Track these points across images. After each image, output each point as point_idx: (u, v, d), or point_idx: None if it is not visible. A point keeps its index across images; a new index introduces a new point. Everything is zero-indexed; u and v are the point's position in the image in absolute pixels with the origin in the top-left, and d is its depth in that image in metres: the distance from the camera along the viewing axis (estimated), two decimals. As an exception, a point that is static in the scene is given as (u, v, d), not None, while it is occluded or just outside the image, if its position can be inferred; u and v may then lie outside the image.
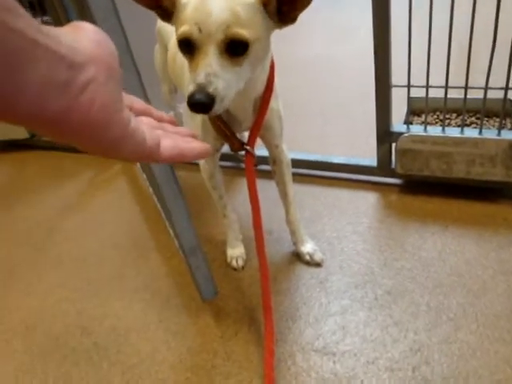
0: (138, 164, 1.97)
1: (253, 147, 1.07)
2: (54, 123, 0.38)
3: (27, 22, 0.33)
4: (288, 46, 3.02)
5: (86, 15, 0.80)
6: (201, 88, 0.72)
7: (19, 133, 2.35)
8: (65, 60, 0.36)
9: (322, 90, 2.44)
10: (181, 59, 1.16)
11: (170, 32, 1.35)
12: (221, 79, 0.74)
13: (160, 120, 0.57)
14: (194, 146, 0.54)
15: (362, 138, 1.84)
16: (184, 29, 0.77)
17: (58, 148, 2.34)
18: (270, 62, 1.00)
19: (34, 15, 1.93)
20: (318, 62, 2.82)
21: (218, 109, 0.75)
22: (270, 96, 1.03)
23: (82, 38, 0.40)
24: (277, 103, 1.10)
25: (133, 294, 1.39)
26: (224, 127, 1.05)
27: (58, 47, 0.36)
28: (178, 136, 0.54)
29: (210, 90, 0.73)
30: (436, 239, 1.37)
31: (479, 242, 1.33)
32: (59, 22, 1.75)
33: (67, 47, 0.37)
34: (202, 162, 1.25)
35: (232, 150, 1.10)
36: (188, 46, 0.79)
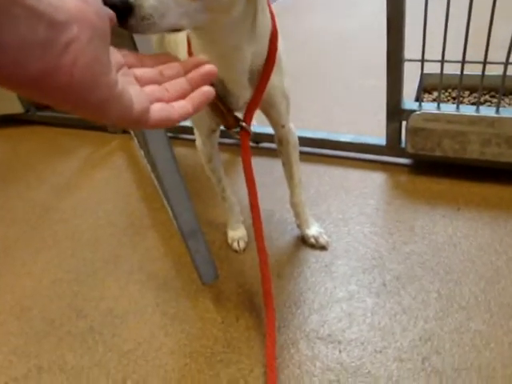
0: (136, 140, 1.91)
1: (249, 124, 0.99)
2: (36, 84, 0.37)
3: None
4: (292, 19, 2.92)
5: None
6: None
7: (14, 107, 2.27)
8: (44, 18, 0.35)
9: (329, 64, 2.34)
10: (173, 37, 1.09)
11: None
12: None
13: (155, 63, 0.52)
14: (185, 104, 0.50)
15: (370, 115, 1.76)
16: None
17: (54, 124, 2.26)
18: (268, 33, 0.90)
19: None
20: (324, 36, 2.71)
21: (136, 24, 0.58)
22: (270, 70, 0.94)
23: None
24: (281, 79, 1.01)
25: (129, 275, 1.33)
26: (219, 102, 0.96)
27: (37, 4, 0.35)
28: (174, 87, 0.50)
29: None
30: (447, 222, 1.30)
31: (492, 226, 1.27)
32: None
33: (47, 4, 0.36)
34: (199, 144, 1.17)
35: (226, 127, 1.02)
36: None
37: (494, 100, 1.51)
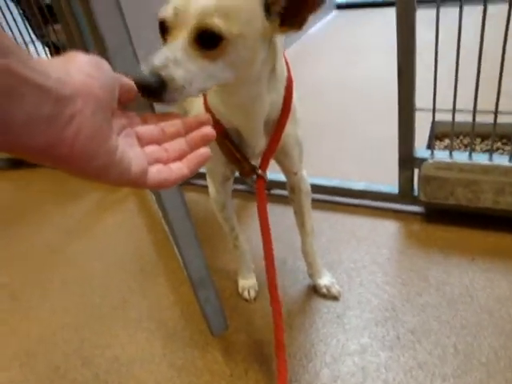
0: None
1: (265, 171, 0.99)
2: (38, 154, 0.38)
3: (17, 58, 0.34)
4: (301, 67, 2.98)
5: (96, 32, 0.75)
6: (153, 69, 0.59)
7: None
8: (51, 95, 0.37)
9: (341, 111, 2.37)
10: None
11: None
12: (182, 68, 0.62)
13: (159, 121, 0.54)
14: (182, 167, 0.51)
15: (382, 162, 1.76)
16: (162, 12, 0.68)
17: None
18: (284, 81, 0.91)
19: (45, 24, 1.91)
20: (333, 83, 2.75)
21: (169, 98, 0.61)
22: (286, 118, 0.95)
23: (73, 69, 0.41)
24: (295, 128, 1.01)
25: (138, 323, 1.31)
26: (234, 149, 0.97)
27: (45, 82, 0.36)
28: (173, 147, 0.52)
29: (163, 73, 0.60)
30: (462, 273, 1.27)
31: (509, 278, 1.23)
32: (69, 31, 1.72)
33: (56, 80, 0.38)
34: (212, 192, 1.16)
35: (242, 174, 1.02)
36: (164, 31, 0.69)
37: (507, 147, 1.51)
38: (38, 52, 2.01)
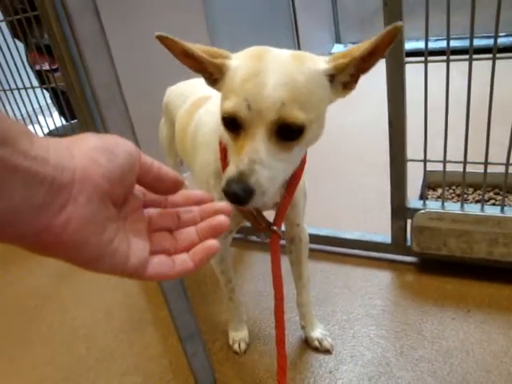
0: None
1: (280, 227, 0.95)
2: (24, 242, 0.36)
3: (13, 148, 0.33)
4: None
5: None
6: (241, 177, 0.60)
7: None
8: (45, 183, 0.35)
9: (332, 160, 2.38)
10: (192, 135, 1.08)
11: (177, 106, 1.30)
12: (266, 168, 0.62)
13: (184, 201, 0.50)
14: (187, 260, 0.47)
15: (375, 212, 1.75)
16: (230, 104, 0.66)
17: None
18: None
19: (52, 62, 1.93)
20: (328, 133, 2.78)
21: (256, 202, 0.62)
22: (302, 172, 0.93)
23: (77, 152, 0.39)
24: (303, 180, 1.00)
25: (123, 376, 1.26)
26: None
27: (40, 169, 0.34)
28: (183, 236, 0.48)
29: (251, 180, 0.60)
30: (457, 325, 1.24)
31: (506, 331, 1.20)
32: (71, 86, 1.75)
33: (54, 167, 0.36)
34: None
35: (256, 230, 0.98)
36: (233, 124, 0.67)
37: (499, 197, 1.51)
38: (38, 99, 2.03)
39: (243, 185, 0.60)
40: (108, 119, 0.71)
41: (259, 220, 0.95)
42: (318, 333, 1.24)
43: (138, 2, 1.94)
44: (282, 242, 1.17)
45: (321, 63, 0.71)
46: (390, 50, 1.19)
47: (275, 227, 0.94)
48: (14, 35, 2.09)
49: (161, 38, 0.69)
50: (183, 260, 0.47)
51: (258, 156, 0.62)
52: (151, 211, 0.48)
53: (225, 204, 0.51)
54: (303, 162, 0.91)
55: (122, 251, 0.41)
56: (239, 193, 0.59)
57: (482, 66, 1.15)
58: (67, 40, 1.58)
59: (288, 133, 0.65)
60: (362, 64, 0.70)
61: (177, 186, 0.48)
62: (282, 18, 3.35)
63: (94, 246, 0.39)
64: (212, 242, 0.48)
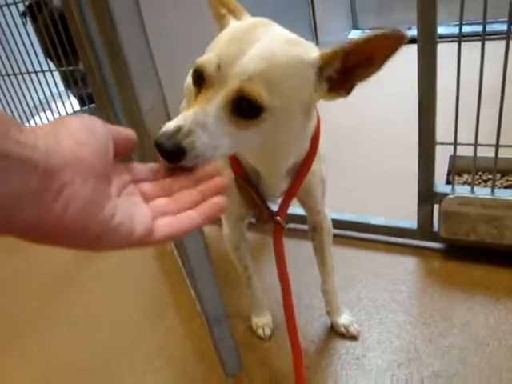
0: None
1: (283, 218, 0.93)
2: (24, 232, 0.37)
3: (3, 136, 0.33)
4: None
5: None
6: (176, 134, 0.55)
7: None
8: (38, 168, 0.35)
9: (357, 144, 2.33)
10: None
11: None
12: (207, 134, 0.57)
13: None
14: (194, 215, 0.47)
15: (401, 197, 1.71)
16: (203, 58, 0.62)
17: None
18: (312, 131, 0.86)
19: (68, 63, 1.93)
20: (351, 116, 2.74)
21: (186, 163, 0.55)
22: (310, 164, 0.89)
23: (63, 136, 0.39)
24: (319, 164, 0.96)
25: (146, 362, 1.26)
26: (254, 193, 0.91)
27: (32, 155, 0.35)
28: (184, 197, 0.48)
29: (186, 140, 0.54)
30: (487, 313, 1.22)
31: (538, 319, 1.18)
32: (91, 69, 1.74)
33: (43, 153, 0.36)
34: (226, 230, 1.11)
35: (259, 220, 0.96)
36: (200, 79, 0.62)
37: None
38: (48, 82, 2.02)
39: (174, 142, 0.54)
40: (140, 94, 0.69)
41: (263, 209, 0.92)
42: (343, 319, 1.22)
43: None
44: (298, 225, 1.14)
45: (312, 53, 0.66)
46: (421, 29, 1.17)
47: (278, 217, 0.92)
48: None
49: None
50: (191, 216, 0.47)
51: (204, 119, 0.58)
52: (142, 185, 0.48)
53: (213, 166, 0.53)
54: (313, 150, 0.88)
55: (126, 223, 0.42)
56: (168, 149, 0.53)
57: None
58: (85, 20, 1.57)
59: (246, 109, 0.60)
60: (351, 62, 0.64)
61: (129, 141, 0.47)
62: (299, 2, 3.30)
63: (96, 224, 0.39)
64: (219, 199, 0.48)
